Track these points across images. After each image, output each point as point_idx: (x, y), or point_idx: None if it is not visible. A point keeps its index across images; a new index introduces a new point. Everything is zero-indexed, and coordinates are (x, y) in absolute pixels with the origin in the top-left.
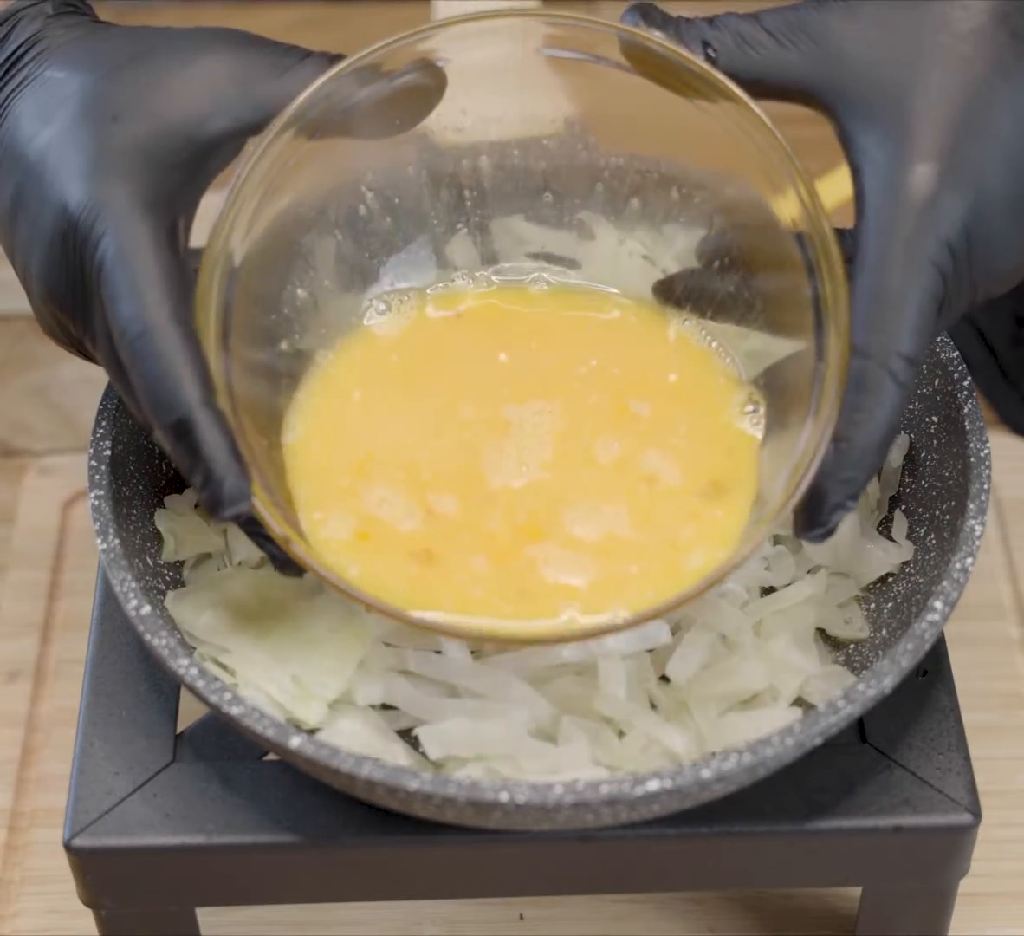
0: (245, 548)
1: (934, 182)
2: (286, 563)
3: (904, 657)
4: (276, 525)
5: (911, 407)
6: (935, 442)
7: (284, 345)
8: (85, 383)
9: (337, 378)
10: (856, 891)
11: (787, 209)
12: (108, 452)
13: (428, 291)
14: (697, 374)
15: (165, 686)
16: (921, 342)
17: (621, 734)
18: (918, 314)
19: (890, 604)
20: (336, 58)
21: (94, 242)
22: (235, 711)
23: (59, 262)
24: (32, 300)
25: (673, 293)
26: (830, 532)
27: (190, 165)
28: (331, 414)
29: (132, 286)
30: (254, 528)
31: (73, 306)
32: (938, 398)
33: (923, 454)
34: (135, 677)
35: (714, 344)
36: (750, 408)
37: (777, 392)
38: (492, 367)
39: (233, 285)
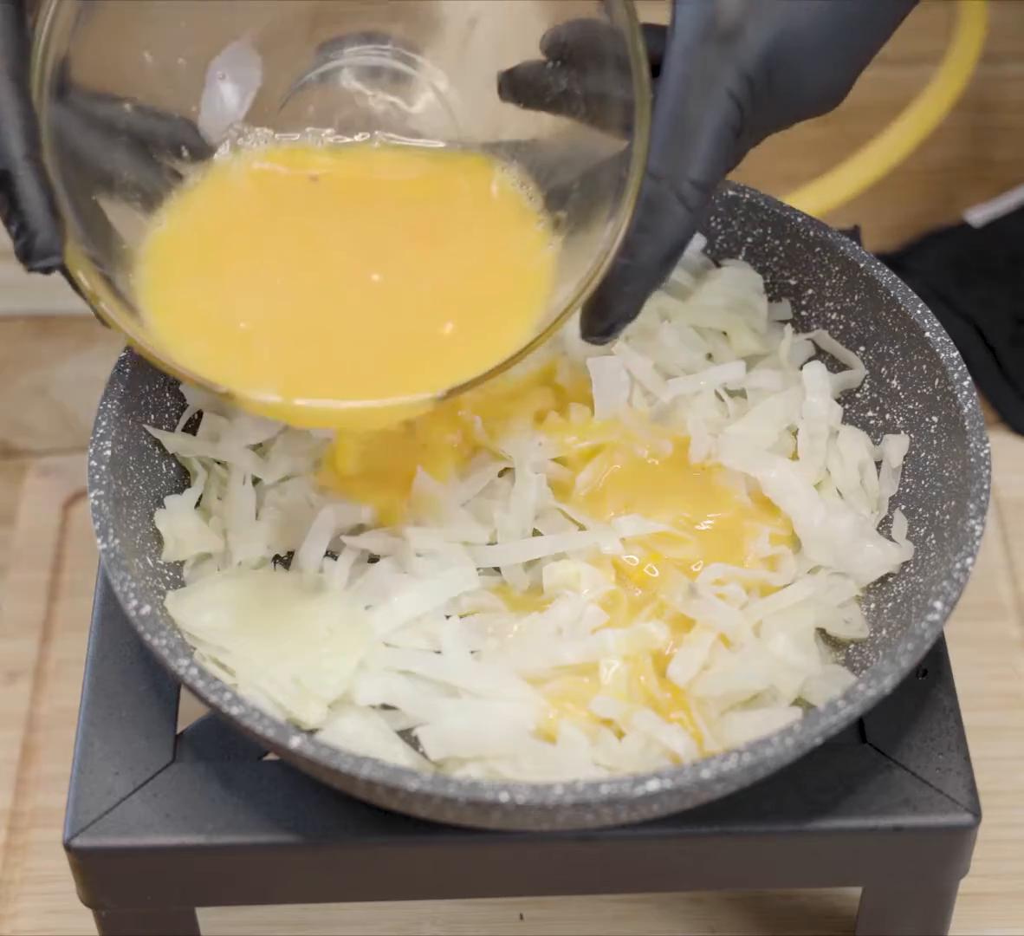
0: (245, 548)
1: (738, 15)
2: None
3: (904, 657)
4: (86, 281)
5: (911, 407)
6: (935, 442)
7: (128, 107)
8: (85, 383)
9: (199, 198)
10: (856, 891)
11: (614, 7)
12: (108, 452)
13: (277, 140)
14: (502, 213)
15: (165, 686)
16: (713, 169)
17: (621, 734)
18: (712, 143)
19: (890, 604)
20: None
21: None
22: (235, 711)
23: None
24: None
25: (514, 86)
26: (610, 338)
27: None
28: (196, 225)
29: None
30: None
31: None
32: (938, 398)
33: (923, 454)
34: (135, 677)
35: (525, 188)
36: (543, 227)
37: (588, 197)
38: (329, 228)
39: (77, 36)
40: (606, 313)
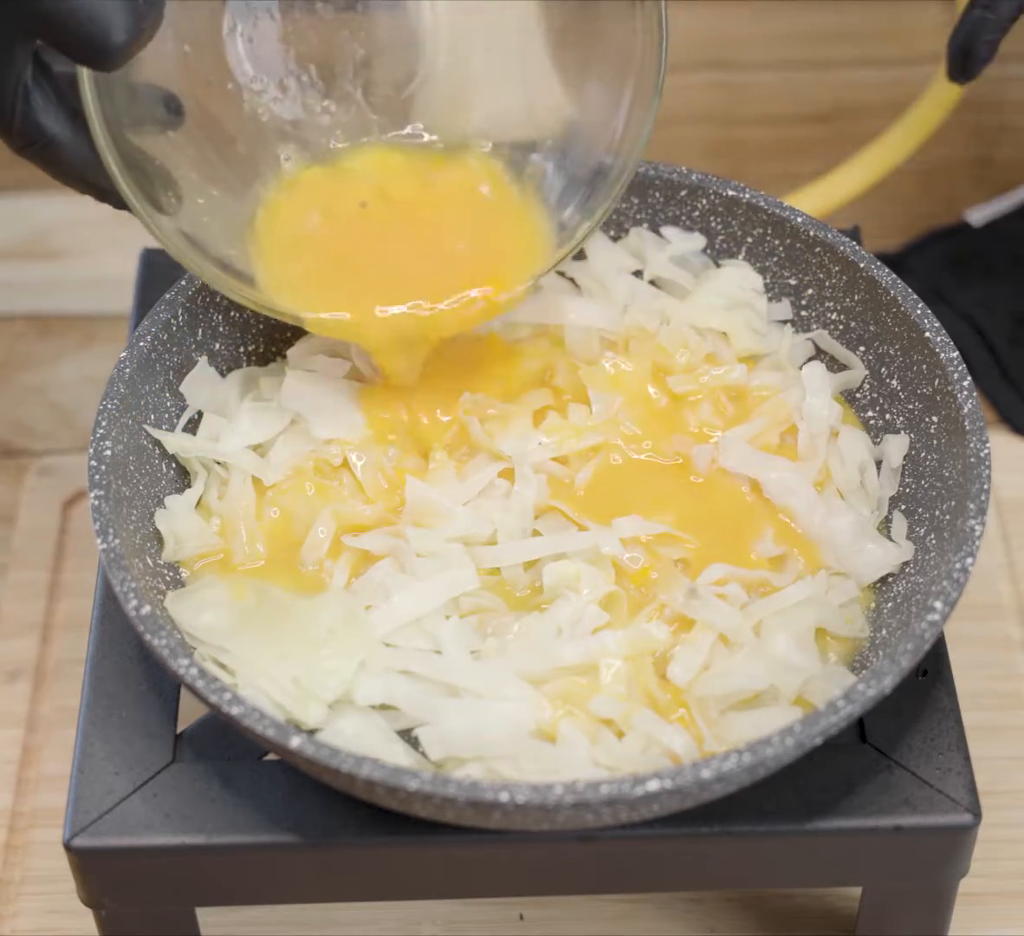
0: (245, 548)
1: None
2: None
3: (904, 657)
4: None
5: (911, 407)
6: (935, 442)
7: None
8: (85, 383)
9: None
10: (856, 891)
11: None
12: (108, 452)
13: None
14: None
15: (165, 686)
16: None
17: (621, 734)
18: None
19: (890, 604)
20: None
21: None
22: (235, 711)
23: None
24: None
25: None
26: (973, 79)
27: None
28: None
29: None
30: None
31: None
32: (938, 398)
33: (923, 454)
34: (135, 677)
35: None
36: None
37: None
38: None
39: None
40: (973, 59)
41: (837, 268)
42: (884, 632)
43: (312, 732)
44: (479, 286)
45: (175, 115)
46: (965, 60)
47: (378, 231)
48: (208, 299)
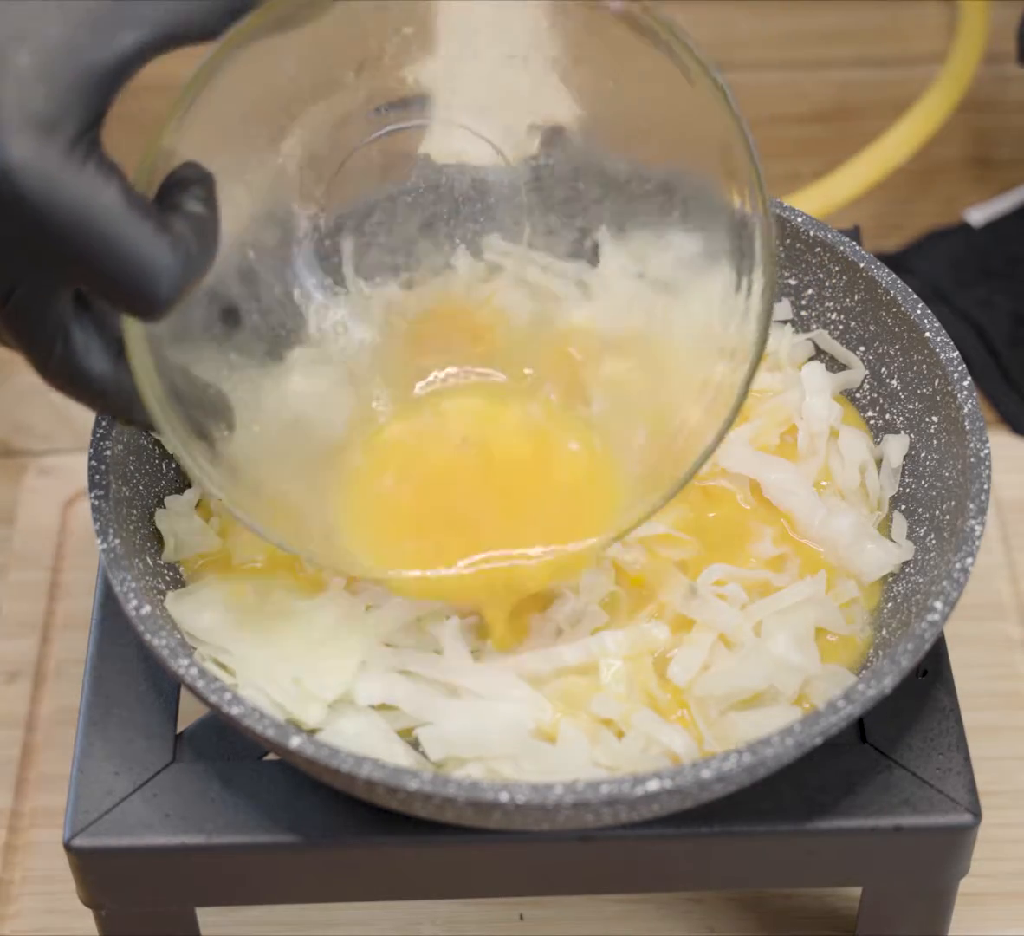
0: (244, 548)
1: None
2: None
3: (904, 657)
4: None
5: (911, 407)
6: (935, 442)
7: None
8: None
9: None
10: (856, 891)
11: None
12: (108, 452)
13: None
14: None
15: (165, 686)
16: None
17: (621, 734)
18: None
19: (890, 604)
20: None
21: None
22: (235, 711)
23: None
24: None
25: None
26: None
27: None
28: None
29: None
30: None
31: None
32: (938, 398)
33: (923, 454)
34: (135, 677)
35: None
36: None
37: None
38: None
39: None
40: None
41: (837, 268)
42: (884, 632)
43: (312, 732)
44: (564, 541)
45: (232, 327)
46: None
47: (465, 488)
48: None
